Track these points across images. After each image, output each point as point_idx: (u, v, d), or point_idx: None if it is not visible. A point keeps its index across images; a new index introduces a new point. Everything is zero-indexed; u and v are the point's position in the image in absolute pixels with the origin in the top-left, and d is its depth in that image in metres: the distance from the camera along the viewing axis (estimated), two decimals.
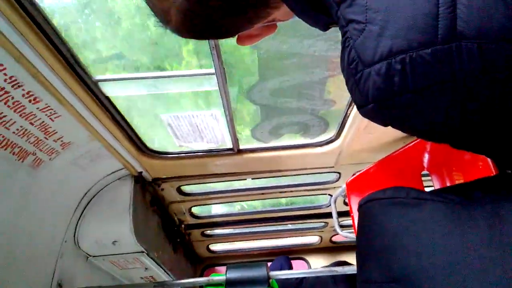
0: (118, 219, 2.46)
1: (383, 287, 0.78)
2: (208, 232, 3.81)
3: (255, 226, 3.76)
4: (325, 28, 0.80)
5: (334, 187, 3.06)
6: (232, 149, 2.51)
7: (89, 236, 2.46)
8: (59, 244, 2.26)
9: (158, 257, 2.81)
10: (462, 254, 0.67)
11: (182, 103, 2.20)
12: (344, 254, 4.14)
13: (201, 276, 4.15)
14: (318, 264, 4.08)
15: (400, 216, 0.80)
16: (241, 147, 2.53)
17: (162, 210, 3.11)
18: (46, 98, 1.60)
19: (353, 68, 0.62)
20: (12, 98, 1.49)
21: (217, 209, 3.87)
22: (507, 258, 0.63)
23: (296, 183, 3.12)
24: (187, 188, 3.05)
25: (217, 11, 0.72)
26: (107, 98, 1.85)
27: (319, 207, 3.53)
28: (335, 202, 2.60)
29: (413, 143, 2.09)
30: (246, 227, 3.79)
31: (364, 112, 0.65)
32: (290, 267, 3.92)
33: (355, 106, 1.99)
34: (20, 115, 1.58)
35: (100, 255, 2.58)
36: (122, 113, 2.01)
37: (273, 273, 2.42)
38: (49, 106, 1.66)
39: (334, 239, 4.08)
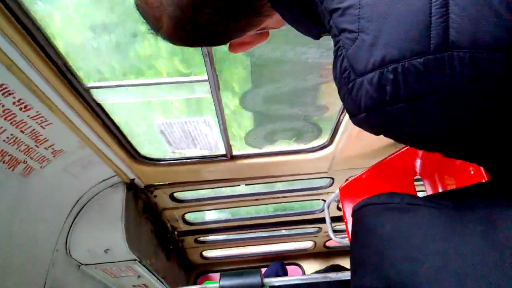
0: (110, 227, 2.44)
1: None
2: (202, 238, 3.79)
3: (248, 232, 3.74)
4: (317, 36, 0.80)
5: (328, 193, 3.06)
6: (225, 155, 2.50)
7: (81, 244, 2.43)
8: (50, 253, 2.23)
9: (150, 264, 2.78)
10: (456, 260, 0.67)
11: (175, 110, 2.19)
12: (338, 259, 4.14)
13: (194, 283, 4.13)
14: (312, 269, 4.06)
15: (394, 221, 0.80)
16: (234, 153, 2.52)
17: (154, 217, 3.09)
18: (37, 105, 1.59)
19: (345, 77, 0.62)
20: (3, 106, 1.48)
21: (211, 215, 3.85)
22: (500, 263, 0.63)
23: (289, 188, 3.12)
24: (180, 195, 3.04)
25: (209, 19, 0.72)
26: (99, 105, 1.83)
27: (313, 212, 3.53)
28: (328, 207, 2.59)
29: (406, 148, 2.10)
30: (239, 233, 3.77)
31: (356, 120, 0.65)
32: (285, 273, 3.91)
33: None
34: (11, 123, 1.57)
35: (92, 264, 2.55)
36: (114, 120, 1.99)
37: (267, 280, 2.41)
38: (40, 114, 1.65)
39: (327, 244, 4.08)
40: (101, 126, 1.92)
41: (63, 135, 1.84)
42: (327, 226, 2.57)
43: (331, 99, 2.16)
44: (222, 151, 2.47)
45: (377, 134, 0.67)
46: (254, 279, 2.37)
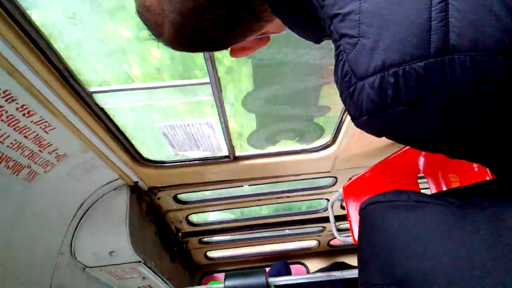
0: (115, 230, 2.45)
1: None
2: (206, 239, 3.79)
3: (253, 232, 3.75)
4: (318, 41, 0.80)
5: (331, 192, 3.06)
6: (228, 157, 2.51)
7: (86, 247, 2.44)
8: (55, 256, 2.24)
9: (155, 266, 2.79)
10: (464, 257, 0.67)
11: (177, 112, 2.19)
12: (342, 257, 4.14)
13: (199, 284, 4.13)
14: (316, 268, 4.07)
15: (401, 219, 0.80)
16: (237, 154, 2.53)
17: (158, 219, 3.10)
18: (40, 111, 1.60)
19: (346, 81, 0.62)
20: (6, 112, 1.48)
21: (215, 216, 3.85)
22: (508, 260, 0.64)
23: (292, 188, 3.12)
24: (183, 197, 3.04)
25: (210, 25, 0.72)
26: (102, 109, 1.84)
27: (316, 211, 3.53)
28: (332, 206, 2.60)
29: (409, 147, 2.09)
30: (244, 233, 3.78)
31: (358, 123, 0.65)
32: (289, 272, 3.91)
33: None
34: (14, 129, 1.58)
35: (97, 266, 2.56)
36: (117, 123, 2.00)
37: (272, 279, 2.41)
38: (43, 119, 1.65)
39: (332, 243, 4.09)
40: (104, 130, 1.92)
41: (66, 140, 1.84)
42: (331, 225, 2.57)
43: (333, 99, 2.16)
44: (225, 152, 2.47)
45: (379, 136, 0.67)
46: (259, 279, 2.37)
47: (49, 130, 1.73)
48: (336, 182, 2.95)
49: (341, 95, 0.67)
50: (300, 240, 4.14)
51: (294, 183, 3.06)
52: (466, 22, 0.52)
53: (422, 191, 2.20)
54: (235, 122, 2.29)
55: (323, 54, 1.69)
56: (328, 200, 3.16)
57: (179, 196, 2.99)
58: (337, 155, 2.53)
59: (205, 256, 4.11)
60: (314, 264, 4.20)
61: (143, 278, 2.84)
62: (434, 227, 0.75)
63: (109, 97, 1.77)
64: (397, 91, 0.56)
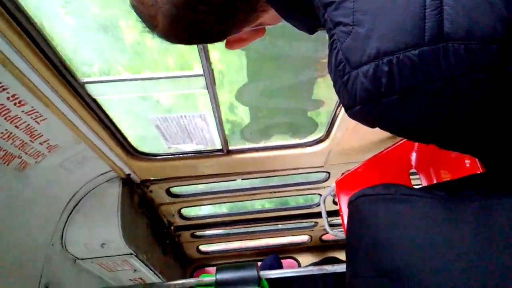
0: (106, 222, 2.44)
1: (372, 281, 0.79)
2: (198, 233, 3.79)
3: (245, 227, 3.75)
4: (311, 31, 0.80)
5: (324, 187, 3.07)
6: (222, 150, 2.50)
7: (77, 239, 2.43)
8: (46, 248, 2.23)
9: (147, 259, 2.79)
10: (450, 249, 0.68)
11: (170, 105, 2.18)
12: (334, 252, 4.16)
13: (191, 277, 4.14)
14: (308, 263, 4.09)
15: (389, 211, 0.81)
16: (231, 148, 2.52)
17: (151, 212, 3.09)
18: (32, 101, 1.58)
19: (340, 70, 0.62)
20: None
21: (207, 210, 3.85)
22: (494, 252, 0.64)
23: (285, 183, 3.13)
24: (176, 190, 3.04)
25: (205, 16, 0.72)
26: (94, 100, 1.83)
27: (309, 206, 3.55)
28: (324, 201, 2.61)
29: (401, 142, 2.11)
30: (236, 228, 3.78)
31: (352, 113, 0.65)
32: (280, 266, 3.92)
33: None
34: (5, 118, 1.56)
35: (88, 258, 2.55)
36: (109, 115, 1.99)
37: (263, 273, 2.42)
38: (34, 109, 1.64)
39: (324, 238, 4.10)
40: (96, 121, 1.91)
41: (58, 130, 1.83)
42: (324, 220, 2.58)
43: (327, 93, 2.16)
44: (218, 145, 2.47)
45: (372, 126, 0.67)
46: (250, 273, 2.38)
47: (40, 121, 1.72)
48: (329, 177, 2.96)
49: (334, 85, 0.67)
50: (292, 235, 4.16)
51: (287, 178, 3.07)
52: (460, 10, 0.52)
53: (414, 187, 2.22)
54: (228, 115, 2.29)
55: (317, 47, 1.69)
56: (320, 195, 3.17)
57: (171, 189, 2.98)
58: (330, 150, 2.54)
59: (197, 250, 4.12)
60: (306, 259, 4.22)
61: (135, 270, 2.84)
62: (422, 220, 0.76)
63: (102, 87, 1.76)
64: (391, 79, 0.56)
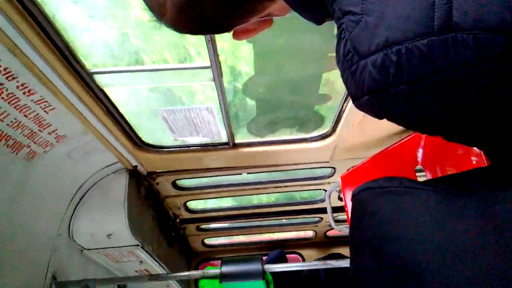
0: (113, 213, 2.47)
1: (376, 274, 0.79)
2: (203, 226, 3.81)
3: (250, 221, 3.77)
4: (319, 22, 0.80)
5: (329, 182, 3.07)
6: (228, 143, 2.51)
7: (84, 229, 2.46)
8: (53, 237, 2.26)
9: (153, 250, 2.81)
10: (454, 241, 0.68)
11: (178, 97, 2.19)
12: (338, 248, 4.17)
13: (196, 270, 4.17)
14: (312, 259, 4.10)
15: (392, 204, 0.81)
16: (237, 141, 2.53)
17: (157, 204, 3.11)
18: (41, 90, 1.60)
19: (348, 60, 0.62)
20: (7, 90, 1.48)
21: (213, 203, 3.87)
22: (498, 244, 0.64)
23: (291, 178, 3.13)
24: (182, 182, 3.05)
25: (213, 5, 0.72)
26: (102, 90, 1.84)
27: (314, 202, 3.55)
28: (329, 196, 2.61)
29: (408, 138, 2.10)
30: (241, 222, 3.80)
31: (359, 104, 0.65)
32: (285, 261, 3.94)
33: (350, 101, 2.00)
34: (15, 107, 1.58)
35: (95, 248, 2.58)
36: (117, 106, 2.00)
37: (268, 266, 2.44)
38: (43, 99, 1.65)
39: (328, 234, 4.11)
40: (104, 112, 1.92)
41: (67, 120, 1.84)
42: (328, 215, 2.59)
43: (334, 88, 2.16)
44: (224, 139, 2.48)
45: (380, 118, 0.67)
46: (255, 266, 2.40)
47: (49, 110, 1.73)
48: (334, 172, 2.96)
49: (342, 75, 0.67)
50: (297, 230, 4.16)
51: (292, 173, 3.07)
52: None
53: None
54: (235, 108, 2.29)
55: (325, 40, 1.69)
56: (326, 190, 3.17)
57: (177, 182, 3.00)
58: (336, 145, 2.53)
59: (203, 243, 4.14)
60: (310, 254, 4.23)
61: (140, 262, 2.87)
62: (425, 213, 0.75)
63: (110, 78, 1.77)
64: (399, 69, 0.56)
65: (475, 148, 1.74)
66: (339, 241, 4.20)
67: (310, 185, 3.18)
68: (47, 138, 1.87)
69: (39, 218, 2.09)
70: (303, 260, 4.26)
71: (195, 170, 2.80)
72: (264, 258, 3.86)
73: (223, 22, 0.78)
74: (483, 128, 0.62)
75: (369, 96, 0.61)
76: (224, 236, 4.23)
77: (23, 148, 1.77)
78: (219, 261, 2.52)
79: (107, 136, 2.09)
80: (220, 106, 2.08)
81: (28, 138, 1.76)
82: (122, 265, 2.90)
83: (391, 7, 0.56)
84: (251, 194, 3.34)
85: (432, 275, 0.70)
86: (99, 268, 2.83)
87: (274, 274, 2.61)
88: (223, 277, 2.40)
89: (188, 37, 1.73)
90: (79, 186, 2.44)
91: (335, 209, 2.69)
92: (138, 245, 2.59)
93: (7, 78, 1.44)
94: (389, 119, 0.67)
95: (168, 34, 1.71)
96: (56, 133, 1.90)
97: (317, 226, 3.91)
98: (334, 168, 2.91)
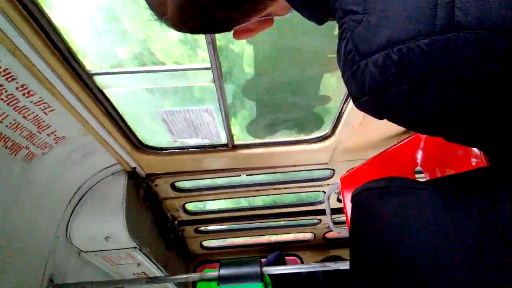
0: (111, 215, 2.45)
1: (377, 273, 0.79)
2: (202, 228, 3.80)
3: (248, 223, 3.76)
4: (321, 21, 0.80)
5: (328, 184, 3.07)
6: (227, 145, 2.51)
7: (82, 231, 2.44)
8: (51, 239, 2.24)
9: (150, 253, 2.80)
10: (454, 242, 0.68)
11: (177, 98, 2.19)
12: (337, 250, 4.16)
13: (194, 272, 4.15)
14: (311, 261, 4.09)
15: (393, 205, 0.81)
16: (236, 143, 2.53)
17: (155, 206, 3.10)
18: (40, 91, 1.59)
19: (350, 60, 0.61)
20: (6, 91, 1.48)
21: (211, 205, 3.86)
22: (497, 243, 0.64)
23: (290, 179, 3.13)
24: (181, 184, 3.05)
25: (214, 4, 0.72)
26: (102, 92, 1.83)
27: (313, 204, 3.54)
28: (328, 198, 2.60)
29: (407, 140, 2.10)
30: (240, 224, 3.79)
31: (360, 104, 0.65)
32: (284, 263, 3.93)
33: (350, 103, 2.01)
34: (14, 109, 1.57)
35: (93, 251, 2.56)
36: (117, 107, 1.99)
37: (266, 269, 2.43)
38: (43, 100, 1.65)
39: (327, 236, 4.10)
40: (103, 113, 1.92)
41: (66, 122, 1.84)
42: (327, 217, 2.58)
43: (334, 89, 2.16)
44: (223, 140, 2.47)
45: (380, 118, 0.67)
46: (253, 268, 2.39)
47: (48, 112, 1.73)
48: (333, 174, 2.96)
49: (343, 75, 0.66)
50: (295, 232, 4.15)
51: (291, 175, 3.07)
52: None
53: None
54: (235, 110, 2.29)
55: (325, 42, 1.69)
56: (325, 192, 3.17)
57: (176, 183, 2.99)
58: (335, 147, 2.53)
59: (201, 245, 4.13)
60: (309, 257, 4.22)
61: (138, 264, 2.85)
62: (426, 213, 0.76)
63: (110, 79, 1.76)
64: (400, 69, 0.56)
65: (474, 150, 1.74)
66: (338, 243, 4.19)
67: (309, 186, 3.18)
68: (46, 140, 1.86)
69: (37, 220, 2.07)
70: (302, 262, 4.25)
71: (194, 172, 2.79)
72: (263, 260, 3.87)
73: (224, 21, 0.77)
74: (484, 128, 0.62)
75: (369, 96, 0.61)
76: (223, 238, 4.21)
77: (22, 150, 1.77)
78: (218, 264, 2.51)
79: (106, 137, 2.09)
80: (219, 107, 2.07)
81: (27, 139, 1.75)
82: (120, 268, 2.89)
83: (393, 6, 0.56)
84: (250, 196, 3.33)
85: (432, 274, 0.70)
86: (96, 271, 2.81)
87: (272, 276, 2.60)
88: (221, 279, 2.39)
89: (189, 37, 1.73)
90: (78, 188, 2.43)
91: (334, 211, 2.69)
92: (136, 248, 2.58)
93: (6, 79, 1.43)
94: (389, 119, 0.66)
95: (169, 34, 1.70)
96: (55, 135, 1.89)
97: (316, 228, 3.91)
98: (333, 169, 2.91)
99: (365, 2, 0.58)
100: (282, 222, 3.88)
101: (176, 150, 2.54)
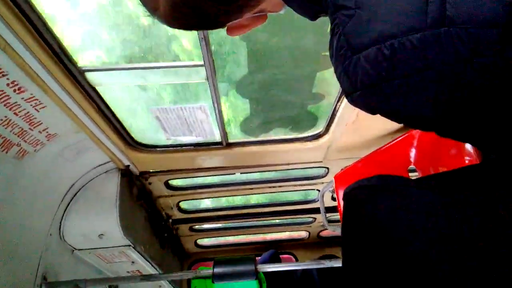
0: (105, 213, 2.44)
1: (370, 270, 0.79)
2: (196, 226, 3.79)
3: (243, 221, 3.76)
4: (314, 17, 0.79)
5: (323, 182, 3.07)
6: (221, 143, 2.50)
7: (75, 229, 2.43)
8: (44, 237, 2.23)
9: (145, 251, 2.79)
10: (447, 240, 0.68)
11: (170, 96, 2.18)
12: (332, 249, 4.17)
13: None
14: (306, 259, 4.10)
15: (385, 202, 0.81)
16: (230, 141, 2.52)
17: (149, 204, 3.09)
18: (31, 88, 1.58)
19: (342, 55, 0.61)
20: None
21: (206, 203, 3.86)
22: (488, 243, 0.64)
23: (284, 177, 3.13)
24: (175, 182, 3.04)
25: (206, 0, 0.71)
26: (93, 88, 1.82)
27: (308, 202, 3.55)
28: (323, 196, 2.60)
29: (401, 138, 2.10)
30: (234, 222, 3.79)
31: (352, 99, 0.65)
32: (279, 261, 3.93)
33: (343, 101, 2.00)
34: (5, 105, 1.56)
35: (86, 249, 2.55)
36: (109, 104, 1.98)
37: (261, 266, 2.43)
38: (34, 96, 1.63)
39: (322, 234, 4.11)
40: (96, 110, 1.90)
41: (58, 119, 1.82)
42: (322, 215, 2.58)
43: (328, 87, 2.16)
44: (217, 138, 2.46)
45: (372, 113, 0.67)
46: (248, 266, 2.39)
47: (40, 108, 1.71)
48: (328, 172, 2.96)
49: (335, 70, 0.66)
50: (290, 231, 4.16)
51: (286, 173, 3.07)
52: None
53: None
54: (229, 108, 2.28)
55: (319, 39, 1.68)
56: (319, 190, 3.17)
57: (170, 182, 2.98)
58: (329, 145, 2.53)
59: (195, 244, 4.12)
60: (304, 255, 4.23)
61: (132, 262, 2.84)
62: (418, 210, 0.76)
63: (102, 76, 1.75)
64: (392, 64, 0.56)
65: (468, 148, 1.74)
66: (332, 241, 4.20)
67: (304, 185, 3.18)
68: (38, 137, 1.85)
69: (29, 217, 2.06)
70: (297, 260, 4.25)
71: (188, 170, 2.78)
72: (258, 258, 3.87)
73: (217, 17, 0.77)
74: (476, 122, 0.62)
75: (361, 91, 0.61)
76: (217, 236, 4.21)
77: (13, 147, 1.75)
78: (212, 262, 2.51)
79: (98, 135, 2.07)
80: (213, 105, 2.07)
81: (18, 136, 1.74)
82: (114, 266, 2.88)
83: (384, 1, 0.56)
84: (245, 194, 3.32)
85: (425, 272, 0.70)
86: (90, 269, 2.80)
87: (267, 275, 2.60)
88: (215, 277, 2.39)
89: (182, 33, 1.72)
90: (70, 185, 2.41)
91: (329, 209, 2.69)
92: (129, 246, 2.57)
93: None
94: (382, 115, 0.66)
95: (161, 31, 1.69)
96: (47, 132, 1.87)
97: (310, 226, 3.91)
98: (327, 168, 2.91)
99: None
100: (277, 221, 3.88)
101: (170, 148, 2.53)
